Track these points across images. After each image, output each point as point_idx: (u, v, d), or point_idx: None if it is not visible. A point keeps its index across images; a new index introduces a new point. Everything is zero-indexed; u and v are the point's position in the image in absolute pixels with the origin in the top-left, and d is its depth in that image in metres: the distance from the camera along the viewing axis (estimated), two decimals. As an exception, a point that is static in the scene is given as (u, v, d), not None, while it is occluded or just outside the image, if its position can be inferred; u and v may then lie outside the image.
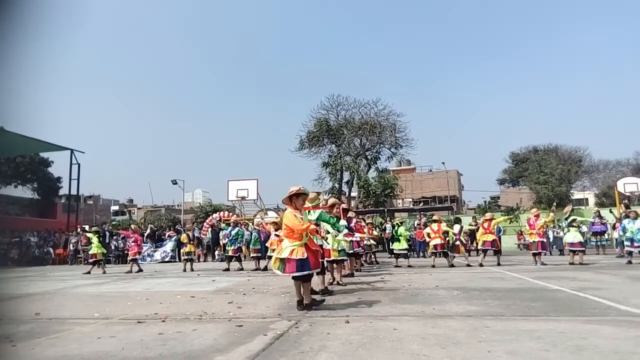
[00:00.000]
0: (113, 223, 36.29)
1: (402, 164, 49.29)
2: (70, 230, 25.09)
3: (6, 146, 25.54)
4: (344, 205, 9.17)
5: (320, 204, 7.30)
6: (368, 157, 31.63)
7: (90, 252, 14.39)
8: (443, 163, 42.48)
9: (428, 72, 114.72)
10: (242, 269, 12.67)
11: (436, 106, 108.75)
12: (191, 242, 14.44)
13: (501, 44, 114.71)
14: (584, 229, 13.24)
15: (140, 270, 13.54)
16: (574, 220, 12.00)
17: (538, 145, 44.48)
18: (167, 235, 22.04)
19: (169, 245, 20.69)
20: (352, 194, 32.72)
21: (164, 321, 4.80)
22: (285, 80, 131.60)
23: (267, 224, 16.54)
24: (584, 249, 11.72)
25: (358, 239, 10.48)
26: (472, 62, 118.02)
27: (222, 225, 20.23)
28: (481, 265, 11.51)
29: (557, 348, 3.21)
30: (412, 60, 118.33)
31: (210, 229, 21.38)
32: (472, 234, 15.76)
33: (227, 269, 12.71)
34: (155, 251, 20.72)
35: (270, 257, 12.70)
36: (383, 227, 20.41)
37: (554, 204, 18.26)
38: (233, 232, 13.29)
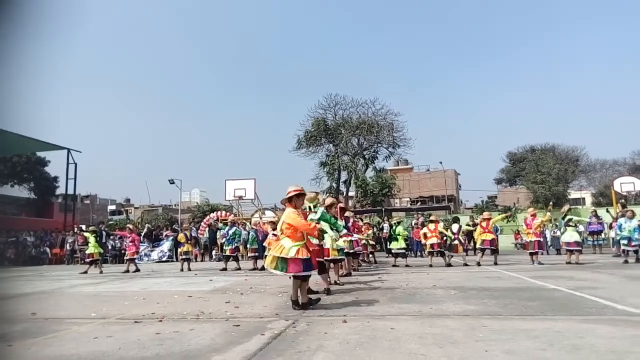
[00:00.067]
0: (110, 223, 36.25)
1: (399, 163, 49.42)
2: (67, 229, 25.01)
3: (2, 145, 25.45)
4: (341, 205, 9.18)
5: (318, 204, 7.32)
6: (365, 156, 31.64)
7: (87, 252, 14.34)
8: (440, 162, 42.76)
9: (427, 72, 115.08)
10: (239, 269, 12.65)
11: (435, 106, 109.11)
12: (188, 241, 14.43)
13: (500, 44, 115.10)
14: (581, 228, 13.27)
15: (138, 270, 13.50)
16: (570, 219, 12.03)
17: (535, 145, 44.62)
18: (164, 234, 22.02)
19: (166, 245, 20.65)
20: (350, 194, 32.73)
21: (161, 321, 4.79)
22: (285, 80, 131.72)
23: (264, 223, 16.55)
24: (580, 248, 11.74)
25: (356, 238, 10.49)
26: (472, 62, 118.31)
27: (220, 224, 20.23)
28: (479, 264, 11.54)
29: (554, 347, 3.22)
30: (412, 60, 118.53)
31: (207, 229, 21.38)
32: (469, 234, 15.81)
33: (225, 269, 12.70)
34: (152, 251, 20.68)
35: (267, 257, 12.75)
36: (380, 226, 20.42)
37: (550, 203, 18.28)
38: (230, 232, 13.27)
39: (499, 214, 16.99)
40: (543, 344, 3.31)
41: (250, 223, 16.49)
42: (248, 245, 13.90)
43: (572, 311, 4.71)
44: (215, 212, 26.33)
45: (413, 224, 18.89)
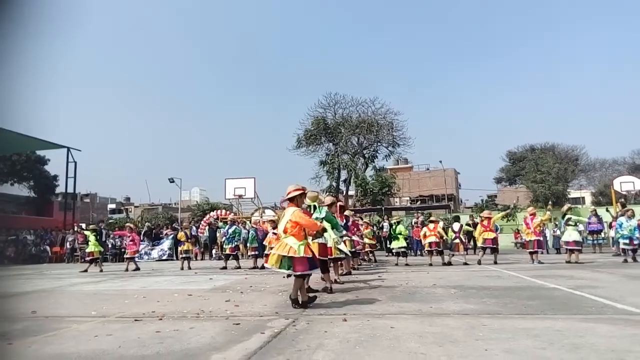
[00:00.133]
0: (110, 221, 36.23)
1: (399, 162, 49.36)
2: (67, 228, 25.03)
3: (2, 144, 25.44)
4: (340, 204, 9.19)
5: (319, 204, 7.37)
6: (365, 155, 31.65)
7: (87, 250, 14.35)
8: (440, 161, 42.67)
9: (427, 72, 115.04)
10: (239, 267, 12.66)
11: (435, 106, 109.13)
12: (189, 240, 14.45)
13: (500, 44, 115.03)
14: (581, 227, 13.28)
15: (137, 268, 13.51)
16: (569, 219, 12.04)
17: (535, 144, 44.64)
18: (164, 233, 22.03)
19: (166, 244, 20.67)
20: (350, 193, 32.74)
21: (161, 319, 4.79)
22: (285, 80, 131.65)
23: (264, 222, 16.55)
24: (580, 248, 11.75)
25: (355, 239, 10.51)
26: (472, 62, 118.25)
27: (220, 223, 20.24)
28: (480, 262, 11.56)
29: (554, 346, 3.22)
30: (412, 60, 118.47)
31: (207, 227, 21.39)
32: (469, 233, 15.81)
33: (225, 267, 12.70)
34: (152, 249, 20.70)
35: (267, 256, 12.75)
36: (380, 225, 20.43)
37: (549, 202, 18.28)
38: (230, 231, 13.28)
39: (499, 213, 16.99)
40: (543, 343, 3.31)
41: (250, 222, 16.50)
42: (248, 244, 13.91)
43: (572, 310, 4.71)
44: (215, 211, 26.34)
45: (413, 223, 18.89)
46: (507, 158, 47.62)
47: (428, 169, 52.64)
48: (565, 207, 12.95)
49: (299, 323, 4.35)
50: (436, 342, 3.44)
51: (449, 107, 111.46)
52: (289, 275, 5.82)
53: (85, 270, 13.26)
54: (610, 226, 16.77)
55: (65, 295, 7.78)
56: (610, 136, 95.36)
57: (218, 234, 18.37)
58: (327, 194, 27.21)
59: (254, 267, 12.54)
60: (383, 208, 28.31)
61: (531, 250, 11.75)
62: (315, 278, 7.27)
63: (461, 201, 55.06)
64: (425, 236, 12.52)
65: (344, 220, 9.70)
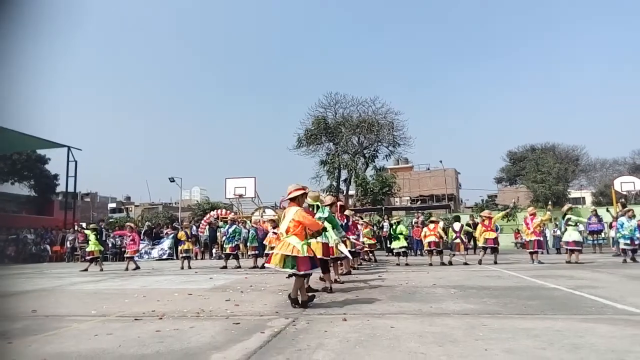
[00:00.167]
0: (110, 221, 36.22)
1: (399, 162, 49.34)
2: (67, 227, 25.04)
3: (2, 143, 25.44)
4: (340, 203, 9.20)
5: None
6: (366, 155, 31.64)
7: (87, 250, 14.36)
8: (441, 161, 42.65)
9: (427, 72, 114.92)
10: (239, 267, 12.66)
11: (435, 106, 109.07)
12: (189, 239, 14.45)
13: (500, 44, 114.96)
14: (581, 227, 13.27)
15: (137, 267, 13.53)
16: (569, 219, 12.05)
17: (535, 144, 44.58)
18: (164, 232, 22.03)
19: (166, 243, 20.67)
20: (350, 192, 32.74)
21: (161, 318, 4.79)
22: (285, 80, 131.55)
23: (264, 221, 16.56)
24: (580, 248, 11.75)
25: (354, 240, 10.51)
26: (472, 62, 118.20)
27: (220, 223, 20.24)
28: (480, 262, 11.57)
29: (554, 346, 3.22)
30: (412, 60, 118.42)
31: (207, 227, 21.39)
32: (468, 233, 15.81)
33: (225, 267, 12.71)
34: (152, 248, 20.70)
35: (267, 255, 12.75)
36: (380, 225, 20.43)
37: (549, 202, 18.27)
38: (230, 230, 13.28)
39: (499, 213, 16.98)
40: (543, 343, 3.31)
41: (250, 221, 16.51)
42: (248, 244, 13.92)
43: (572, 310, 4.71)
44: (215, 210, 26.34)
45: (413, 223, 18.89)
46: (507, 158, 47.59)
47: (428, 169, 52.63)
48: (565, 207, 12.95)
49: (299, 322, 4.35)
50: (436, 341, 3.44)
51: (449, 107, 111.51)
52: (290, 275, 5.83)
53: (86, 270, 13.26)
54: (610, 226, 16.76)
55: (65, 294, 7.79)
56: (610, 136, 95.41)
57: (218, 234, 18.37)
58: (328, 193, 27.21)
59: (254, 267, 12.55)
60: (383, 208, 28.30)
61: (531, 250, 11.76)
62: (315, 278, 7.27)
63: (461, 201, 55.04)
64: (425, 236, 12.55)
65: (345, 220, 9.71)
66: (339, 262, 8.48)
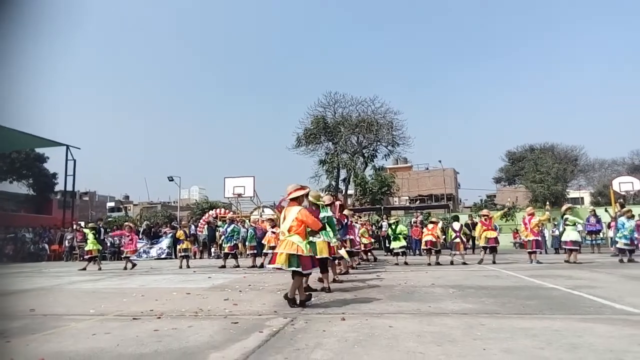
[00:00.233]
0: (109, 220, 36.19)
1: (398, 162, 49.31)
2: (65, 226, 25.00)
3: (1, 142, 25.39)
4: (338, 202, 9.21)
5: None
6: (365, 154, 31.65)
7: (85, 249, 14.34)
8: (440, 161, 42.59)
9: (427, 72, 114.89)
10: (238, 266, 12.66)
11: (435, 106, 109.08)
12: (187, 239, 14.43)
13: (500, 44, 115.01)
14: (580, 227, 13.29)
15: (134, 265, 13.54)
16: (566, 219, 12.09)
17: (534, 144, 44.71)
18: (163, 231, 22.00)
19: (165, 242, 20.65)
20: (349, 192, 32.74)
21: (159, 318, 4.79)
22: (285, 80, 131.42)
23: (263, 221, 16.55)
24: (578, 247, 11.77)
25: (353, 237, 10.53)
26: (472, 62, 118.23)
27: (219, 222, 20.23)
28: (481, 262, 11.61)
29: (552, 346, 3.23)
30: (412, 60, 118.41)
31: (206, 226, 21.37)
32: (466, 234, 15.86)
33: (223, 266, 12.70)
34: (151, 248, 20.68)
35: (266, 255, 12.75)
36: (379, 224, 20.44)
37: (547, 202, 18.30)
38: (229, 229, 13.27)
39: (497, 212, 17.00)
40: (541, 343, 3.31)
41: (249, 220, 16.49)
42: (247, 243, 13.92)
43: (571, 310, 4.72)
44: (214, 210, 26.32)
45: (412, 222, 18.90)
46: (506, 158, 47.69)
47: (427, 169, 52.63)
48: (564, 207, 12.97)
49: (298, 322, 4.35)
50: (434, 341, 3.44)
51: (449, 107, 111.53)
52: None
53: (84, 269, 13.24)
54: (609, 226, 16.77)
55: (63, 293, 7.78)
56: (609, 136, 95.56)
57: (217, 233, 18.34)
58: (326, 193, 27.20)
59: (253, 266, 12.55)
60: (382, 207, 28.30)
61: (530, 250, 11.78)
62: (314, 277, 7.27)
63: (460, 201, 55.09)
64: (424, 236, 12.58)
65: (345, 220, 9.72)
66: (336, 261, 8.48)
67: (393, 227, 12.82)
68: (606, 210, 18.52)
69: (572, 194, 44.36)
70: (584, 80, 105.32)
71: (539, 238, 12.17)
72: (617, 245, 11.98)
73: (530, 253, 11.75)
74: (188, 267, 13.23)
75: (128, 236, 14.24)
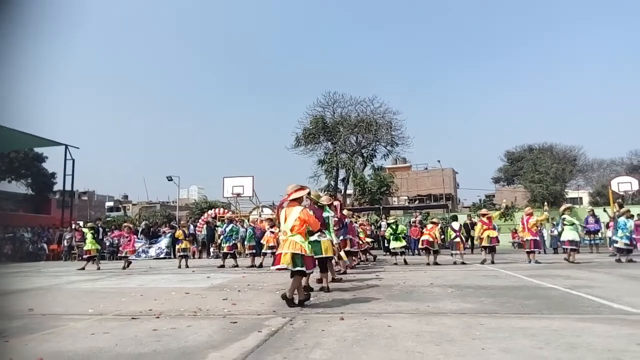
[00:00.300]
0: (108, 219, 36.16)
1: (397, 161, 49.31)
2: (64, 226, 24.97)
3: (0, 141, 25.36)
4: (337, 202, 9.21)
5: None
6: (364, 154, 31.67)
7: (84, 248, 14.33)
8: (439, 161, 42.61)
9: (427, 72, 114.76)
10: (237, 266, 12.66)
11: (435, 106, 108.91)
12: (186, 238, 14.42)
13: (500, 44, 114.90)
14: (579, 228, 13.31)
15: (130, 262, 13.61)
16: (564, 219, 12.12)
17: (533, 144, 44.65)
18: (162, 231, 21.99)
19: (163, 242, 20.64)
20: (348, 192, 32.75)
21: (158, 317, 4.79)
22: (285, 80, 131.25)
23: (262, 221, 16.55)
24: (576, 247, 11.80)
25: (352, 237, 10.52)
26: (472, 62, 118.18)
27: (218, 222, 20.22)
28: (483, 262, 11.64)
29: (551, 345, 3.23)
30: (412, 60, 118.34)
31: (205, 226, 21.37)
32: (467, 232, 15.89)
33: (222, 266, 12.70)
34: (150, 247, 20.67)
35: (265, 254, 12.76)
36: (378, 224, 20.45)
37: (545, 202, 18.32)
38: (228, 229, 13.27)
39: (496, 212, 17.01)
40: (540, 343, 3.32)
41: (248, 220, 16.49)
42: (246, 243, 13.92)
43: (569, 310, 4.73)
44: (213, 209, 26.31)
45: (411, 222, 18.92)
46: (505, 158, 47.67)
47: (426, 169, 52.59)
48: (563, 207, 12.99)
49: (296, 322, 4.35)
50: (433, 341, 3.44)
51: (448, 107, 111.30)
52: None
53: (83, 268, 13.24)
54: (607, 226, 16.80)
55: (62, 293, 7.77)
56: (608, 137, 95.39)
57: (216, 233, 18.34)
58: (325, 193, 27.21)
59: (252, 266, 12.55)
60: (381, 207, 28.30)
61: (528, 249, 11.79)
62: (313, 277, 7.27)
63: (459, 201, 55.08)
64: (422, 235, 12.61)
65: (345, 219, 9.73)
66: (333, 261, 8.49)
67: (393, 227, 12.83)
68: (605, 210, 18.58)
69: (571, 194, 44.38)
70: (584, 80, 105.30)
71: (537, 238, 12.19)
72: (617, 245, 11.99)
73: (528, 253, 11.76)
74: (187, 266, 13.23)
75: (127, 237, 14.23)
